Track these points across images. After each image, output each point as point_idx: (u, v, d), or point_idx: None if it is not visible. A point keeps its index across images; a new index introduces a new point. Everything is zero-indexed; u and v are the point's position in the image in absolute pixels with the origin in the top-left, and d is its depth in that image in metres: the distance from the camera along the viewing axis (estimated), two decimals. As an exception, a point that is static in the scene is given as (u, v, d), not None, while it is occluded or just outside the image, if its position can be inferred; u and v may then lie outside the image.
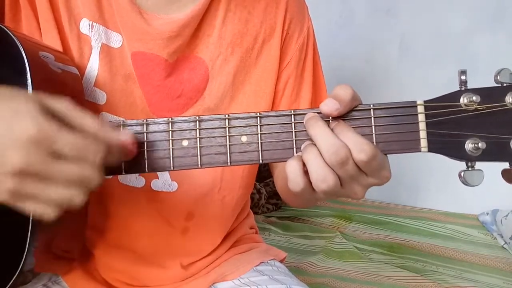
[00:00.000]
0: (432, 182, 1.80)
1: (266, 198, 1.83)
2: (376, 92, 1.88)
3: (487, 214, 1.62)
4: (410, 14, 1.86)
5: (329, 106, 0.43)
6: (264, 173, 1.83)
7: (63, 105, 0.40)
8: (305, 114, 0.45)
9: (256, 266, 0.72)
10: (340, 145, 0.42)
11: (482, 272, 1.33)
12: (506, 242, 1.47)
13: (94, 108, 0.60)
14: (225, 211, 0.70)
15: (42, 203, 0.39)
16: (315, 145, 0.43)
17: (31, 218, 0.45)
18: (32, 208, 0.39)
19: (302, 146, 0.44)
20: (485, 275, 1.31)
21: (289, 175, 0.43)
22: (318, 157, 0.42)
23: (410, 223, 1.64)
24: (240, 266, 0.71)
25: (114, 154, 0.42)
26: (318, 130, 0.43)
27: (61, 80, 0.53)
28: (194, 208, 0.67)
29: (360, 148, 0.42)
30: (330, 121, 0.45)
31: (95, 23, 0.58)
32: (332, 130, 0.43)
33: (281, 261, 0.79)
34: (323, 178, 0.42)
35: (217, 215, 0.70)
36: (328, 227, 1.63)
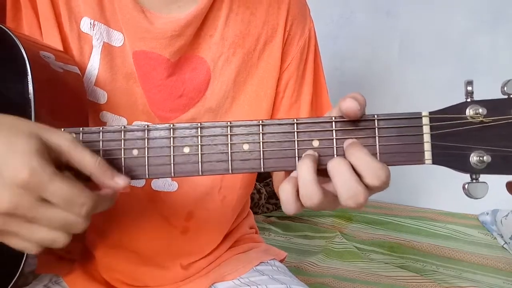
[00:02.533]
0: (432, 182, 1.80)
1: (266, 198, 1.83)
2: (376, 93, 1.89)
3: (487, 214, 1.62)
4: (410, 15, 1.86)
5: (352, 103, 0.41)
6: (264, 173, 1.83)
7: (64, 141, 0.40)
8: (308, 123, 0.45)
9: (256, 266, 0.72)
10: (358, 190, 0.40)
11: (482, 272, 1.33)
12: (506, 242, 1.47)
13: (95, 107, 0.59)
14: (225, 211, 0.70)
15: (25, 241, 0.39)
16: (313, 155, 0.43)
17: None
18: (14, 243, 0.40)
19: (303, 155, 0.43)
20: (485, 275, 1.31)
21: (282, 199, 0.42)
22: (310, 172, 0.41)
23: (410, 223, 1.64)
24: (240, 266, 0.71)
25: (104, 203, 0.42)
26: (340, 175, 0.40)
27: (62, 80, 0.53)
28: (194, 208, 0.67)
29: (374, 173, 0.40)
30: (345, 140, 0.43)
31: (96, 22, 0.58)
32: (344, 149, 0.42)
33: (281, 261, 0.79)
34: (310, 197, 0.40)
35: (217, 215, 0.69)
36: (328, 227, 1.63)
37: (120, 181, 0.42)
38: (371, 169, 0.40)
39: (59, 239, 0.40)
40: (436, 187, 1.81)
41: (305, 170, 0.41)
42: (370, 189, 0.41)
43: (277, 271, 0.73)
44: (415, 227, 1.62)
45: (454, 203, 1.70)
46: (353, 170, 0.41)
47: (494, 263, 1.37)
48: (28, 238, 0.39)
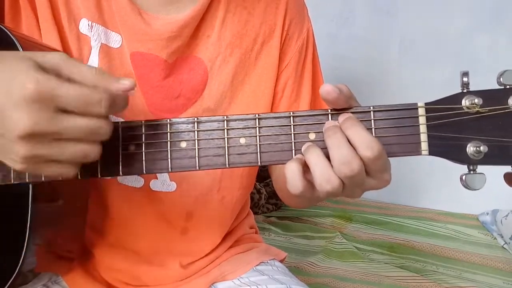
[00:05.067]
0: (432, 182, 1.80)
1: (266, 198, 1.83)
2: (376, 92, 1.88)
3: (487, 214, 1.62)
4: (410, 14, 1.86)
5: (330, 86, 0.43)
6: (264, 173, 1.83)
7: (56, 58, 0.38)
8: (304, 116, 0.45)
9: (256, 266, 0.72)
10: (352, 156, 0.41)
11: (482, 272, 1.33)
12: (506, 242, 1.47)
13: None
14: (224, 211, 0.70)
15: (59, 163, 0.38)
16: (315, 145, 0.43)
17: (29, 218, 0.45)
18: (50, 170, 0.38)
19: (303, 148, 0.44)
20: (485, 275, 1.31)
21: (288, 177, 0.43)
22: (322, 158, 0.42)
23: (410, 223, 1.64)
24: (240, 266, 0.71)
25: (117, 101, 0.40)
26: (335, 141, 0.42)
27: None
28: (193, 208, 0.67)
29: (367, 144, 0.41)
30: (340, 114, 0.44)
31: (94, 23, 0.58)
32: (339, 124, 0.43)
33: (281, 261, 0.79)
34: (327, 179, 0.41)
35: (216, 215, 0.69)
36: (328, 227, 1.63)
37: (126, 82, 0.40)
38: (365, 142, 0.41)
39: (91, 149, 0.38)
40: (436, 187, 1.81)
41: (316, 157, 0.42)
42: (365, 165, 0.42)
43: (277, 271, 0.72)
44: (415, 227, 1.62)
45: (454, 203, 1.70)
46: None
47: (494, 263, 1.37)
48: (60, 157, 0.37)
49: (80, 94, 0.37)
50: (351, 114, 0.44)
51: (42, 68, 0.37)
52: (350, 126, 0.42)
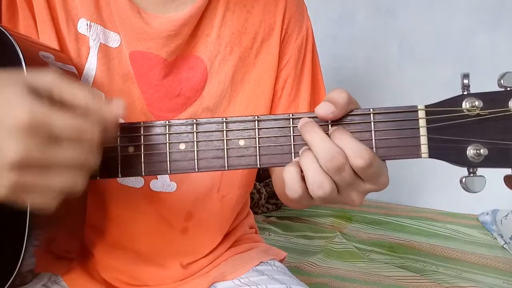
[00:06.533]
0: (432, 182, 1.80)
1: (266, 198, 1.83)
2: (376, 92, 1.88)
3: (487, 214, 1.62)
4: (410, 14, 1.86)
5: (324, 109, 0.43)
6: (264, 173, 1.83)
7: (49, 80, 0.38)
8: (303, 118, 0.45)
9: (256, 266, 0.72)
10: (336, 151, 0.41)
11: (482, 272, 1.33)
12: (506, 242, 1.47)
13: None
14: (224, 211, 0.70)
15: (44, 194, 0.37)
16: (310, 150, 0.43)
17: (28, 218, 0.45)
18: (33, 200, 0.37)
19: (300, 151, 0.44)
20: (485, 275, 1.31)
21: (287, 181, 0.43)
22: (315, 163, 0.42)
23: (410, 223, 1.64)
24: (239, 266, 0.71)
25: (110, 128, 0.40)
26: (313, 135, 0.43)
27: None
28: (193, 208, 0.67)
29: (357, 153, 0.41)
30: (329, 126, 0.44)
31: (93, 23, 0.58)
32: (329, 135, 0.43)
33: (281, 261, 0.78)
34: (319, 184, 0.41)
35: (216, 214, 0.69)
36: (328, 227, 1.63)
37: (118, 103, 0.40)
38: (355, 151, 0.41)
39: (78, 181, 0.38)
40: (436, 187, 1.81)
41: (309, 161, 0.42)
42: (358, 172, 0.42)
43: (277, 271, 0.72)
44: (415, 227, 1.62)
45: (454, 203, 1.70)
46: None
47: (494, 263, 1.37)
48: (47, 188, 0.36)
49: (73, 123, 0.36)
50: (338, 125, 0.44)
51: (34, 91, 0.36)
52: (338, 136, 0.42)
